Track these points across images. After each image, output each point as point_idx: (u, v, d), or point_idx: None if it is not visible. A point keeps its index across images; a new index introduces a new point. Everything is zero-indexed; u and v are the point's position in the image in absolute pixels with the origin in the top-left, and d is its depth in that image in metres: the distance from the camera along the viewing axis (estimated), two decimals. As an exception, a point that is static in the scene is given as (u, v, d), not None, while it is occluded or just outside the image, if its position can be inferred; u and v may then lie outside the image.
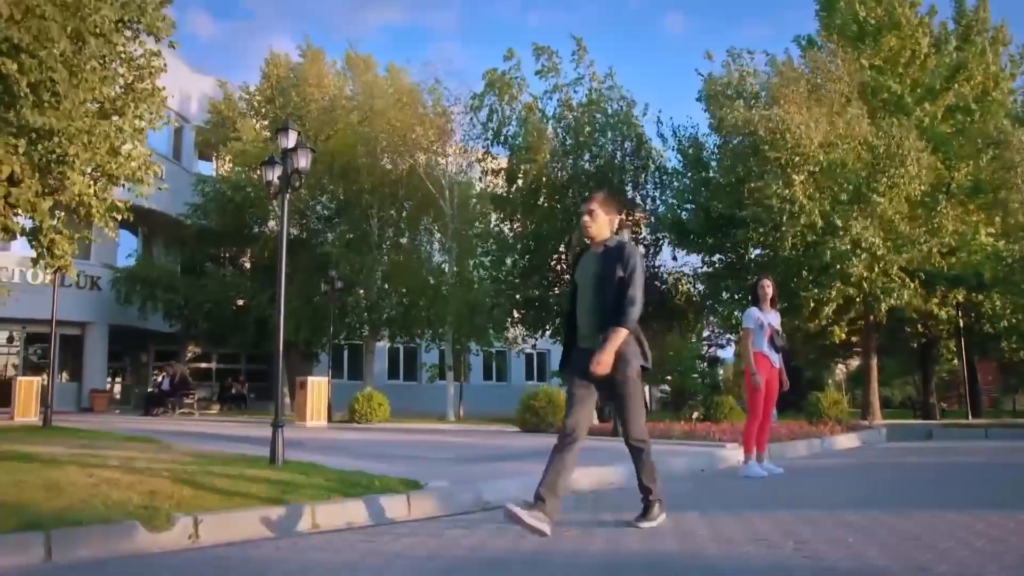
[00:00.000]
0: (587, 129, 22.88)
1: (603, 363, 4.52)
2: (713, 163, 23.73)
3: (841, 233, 19.18)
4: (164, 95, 12.15)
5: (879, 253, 19.41)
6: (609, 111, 23.45)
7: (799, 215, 19.19)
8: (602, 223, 4.90)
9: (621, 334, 4.60)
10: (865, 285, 19.94)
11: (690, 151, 24.19)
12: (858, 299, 20.50)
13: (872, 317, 22.00)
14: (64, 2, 9.94)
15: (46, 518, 4.35)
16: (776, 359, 8.36)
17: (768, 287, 8.56)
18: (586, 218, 4.91)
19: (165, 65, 12.11)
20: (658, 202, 24.88)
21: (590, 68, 23.44)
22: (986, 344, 27.83)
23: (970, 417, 25.33)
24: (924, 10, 24.78)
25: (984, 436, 17.02)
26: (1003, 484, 7.91)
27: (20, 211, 10.67)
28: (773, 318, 8.43)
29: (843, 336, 22.44)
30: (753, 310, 8.48)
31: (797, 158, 19.35)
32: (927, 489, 7.28)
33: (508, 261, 24.66)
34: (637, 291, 4.67)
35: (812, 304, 19.80)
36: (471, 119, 24.87)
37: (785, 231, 19.51)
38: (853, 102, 20.86)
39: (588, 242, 5.01)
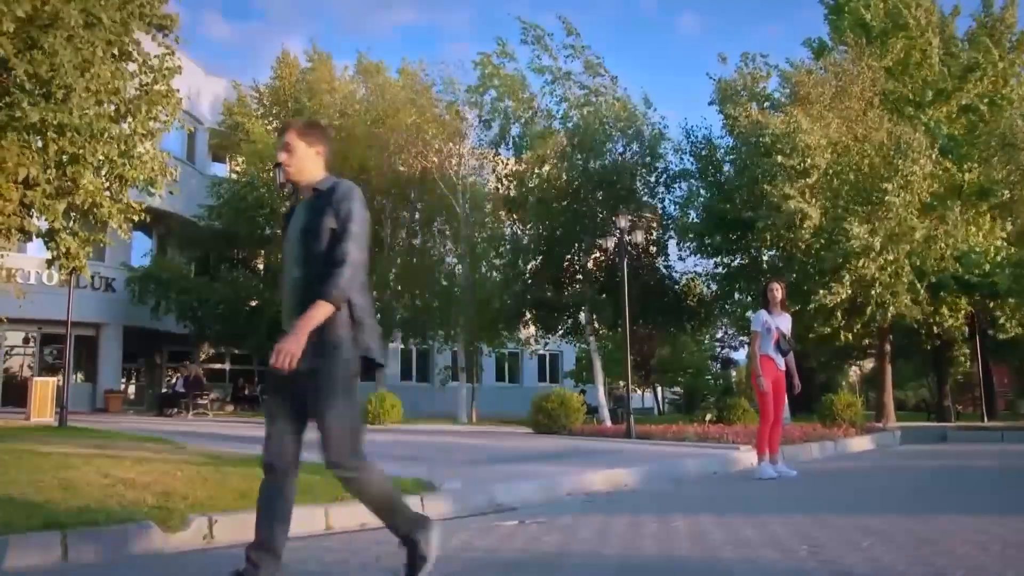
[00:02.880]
0: (595, 127, 22.80)
1: (285, 351, 3.09)
2: (726, 165, 23.65)
3: (852, 235, 19.01)
4: (179, 97, 12.24)
5: (891, 257, 19.24)
6: (613, 107, 23.32)
7: (806, 220, 19.06)
8: (304, 158, 3.54)
9: (323, 310, 3.18)
10: (877, 287, 19.77)
11: (703, 152, 24.12)
12: (869, 302, 20.31)
13: (880, 323, 21.82)
14: None
15: (63, 518, 4.37)
16: (782, 362, 8.36)
17: (777, 290, 8.58)
18: (282, 155, 3.54)
19: (180, 67, 12.20)
20: (667, 202, 24.84)
21: (583, 55, 23.27)
22: (1001, 347, 27.61)
23: (985, 420, 25.12)
24: (948, 11, 24.63)
25: (1000, 439, 16.89)
26: (1020, 488, 7.85)
27: (36, 212, 10.76)
28: (782, 321, 8.44)
29: (849, 339, 22.31)
30: (762, 313, 8.51)
31: (808, 161, 19.21)
32: (943, 492, 7.23)
33: (521, 263, 24.66)
34: (351, 246, 3.29)
35: (823, 304, 19.63)
36: (479, 117, 24.80)
37: (796, 233, 19.42)
38: (875, 107, 20.71)
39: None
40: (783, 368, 8.38)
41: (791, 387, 8.49)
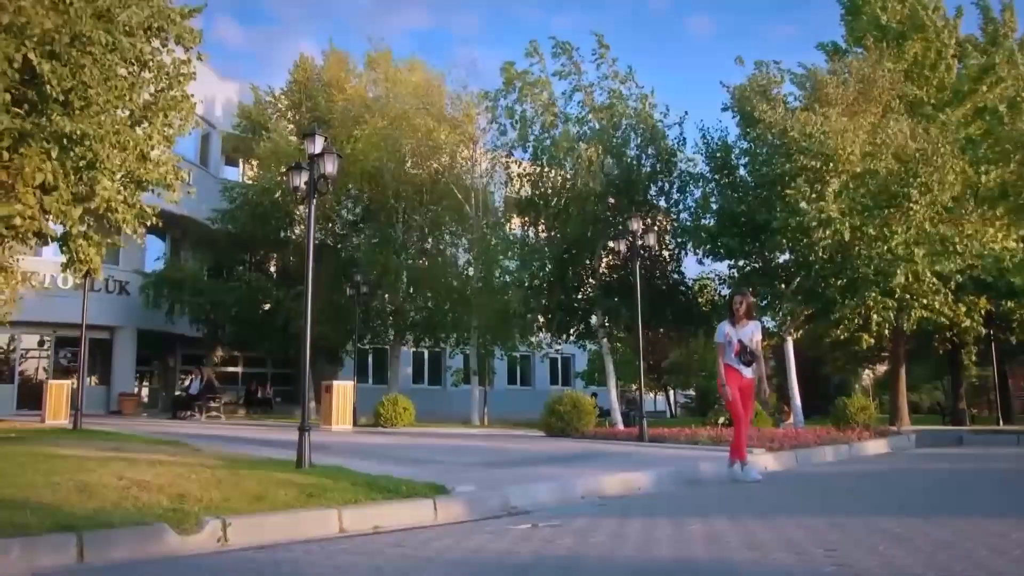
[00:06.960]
0: (611, 131, 22.76)
1: None
2: (741, 168, 23.46)
3: (878, 243, 18.80)
4: (193, 102, 12.30)
5: (917, 262, 19.03)
6: (632, 113, 23.23)
7: (829, 225, 18.82)
8: None
9: None
10: (899, 292, 19.58)
11: (718, 155, 23.94)
12: (892, 306, 20.12)
13: (902, 325, 21.63)
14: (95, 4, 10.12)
15: (78, 520, 4.40)
16: (746, 371, 8.44)
17: (739, 303, 8.65)
18: None
19: (195, 73, 12.27)
20: (682, 207, 24.68)
21: (612, 66, 23.23)
22: (1017, 350, 27.41)
23: (1001, 423, 24.96)
24: (952, 12, 24.43)
25: (1016, 442, 16.77)
26: (1037, 491, 7.79)
27: (52, 218, 10.83)
28: (744, 332, 8.49)
29: (871, 343, 22.12)
30: (723, 325, 8.65)
31: (832, 163, 18.94)
32: (959, 496, 7.18)
33: (535, 266, 24.57)
34: None
35: (841, 316, 19.52)
36: (492, 120, 24.73)
37: (815, 238, 19.19)
38: (894, 110, 20.53)
39: None
40: (749, 376, 8.47)
41: (760, 392, 8.72)
